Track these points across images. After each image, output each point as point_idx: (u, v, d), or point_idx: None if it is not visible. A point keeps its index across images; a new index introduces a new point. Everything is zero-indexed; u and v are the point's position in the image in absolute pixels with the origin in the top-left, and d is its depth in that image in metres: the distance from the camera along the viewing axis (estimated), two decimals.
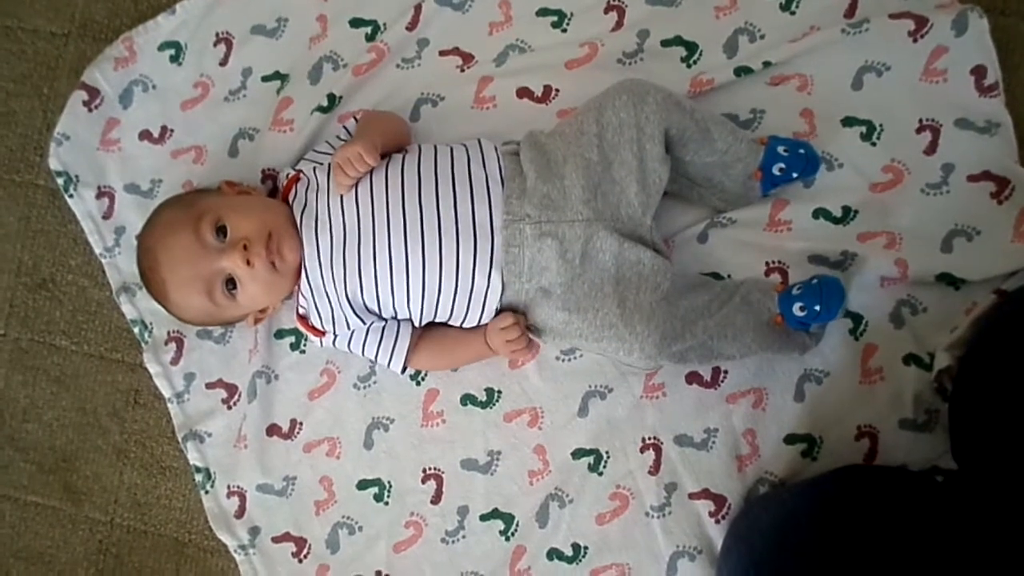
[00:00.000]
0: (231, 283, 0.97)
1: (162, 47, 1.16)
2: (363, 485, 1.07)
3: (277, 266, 0.97)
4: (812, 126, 1.01)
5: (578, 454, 1.02)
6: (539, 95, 1.07)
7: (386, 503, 1.07)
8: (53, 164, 1.16)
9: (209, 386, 1.11)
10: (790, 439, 0.98)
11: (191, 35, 1.16)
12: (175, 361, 1.12)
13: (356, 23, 1.12)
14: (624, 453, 1.01)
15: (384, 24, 1.12)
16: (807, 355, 0.97)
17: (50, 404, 1.17)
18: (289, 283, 1.00)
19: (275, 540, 1.09)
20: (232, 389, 1.11)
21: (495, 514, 1.04)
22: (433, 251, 0.94)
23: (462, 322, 1.00)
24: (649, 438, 1.01)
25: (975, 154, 0.98)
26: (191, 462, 1.11)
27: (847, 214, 0.99)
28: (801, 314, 0.92)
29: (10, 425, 1.18)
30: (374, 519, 1.07)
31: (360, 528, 1.07)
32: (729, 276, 1.01)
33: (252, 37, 1.15)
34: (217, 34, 1.15)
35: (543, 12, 1.09)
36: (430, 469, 1.06)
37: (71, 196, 1.16)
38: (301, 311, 1.03)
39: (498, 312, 0.99)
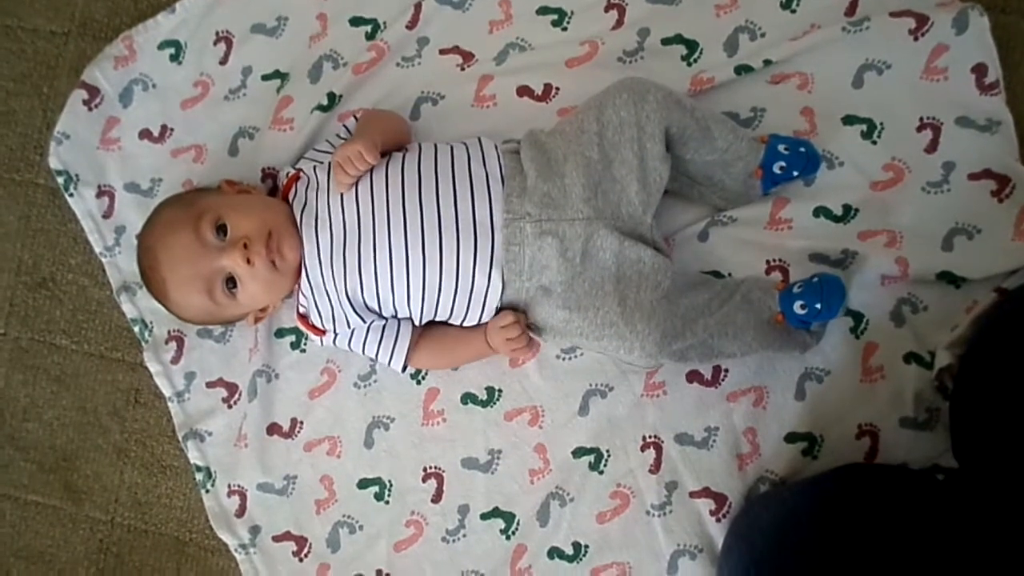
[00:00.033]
0: (231, 282, 0.97)
1: (162, 46, 1.16)
2: (364, 484, 1.07)
3: (277, 265, 0.97)
4: (813, 124, 1.01)
5: (579, 453, 1.02)
6: (539, 93, 1.07)
7: (387, 502, 1.07)
8: (53, 163, 1.16)
9: (209, 385, 1.11)
10: (791, 437, 0.98)
11: (191, 34, 1.16)
12: (175, 360, 1.12)
13: (356, 22, 1.12)
14: (625, 452, 1.01)
15: (384, 23, 1.12)
16: (808, 353, 0.97)
17: (50, 403, 1.17)
18: (289, 282, 1.00)
19: (276, 539, 1.09)
20: (232, 388, 1.11)
21: (496, 513, 1.04)
22: (433, 250, 0.94)
23: (462, 321, 1.00)
24: (650, 437, 1.01)
25: (976, 152, 0.98)
26: (191, 461, 1.11)
27: (848, 212, 0.99)
28: (802, 312, 0.92)
29: (10, 424, 1.18)
30: (375, 518, 1.07)
31: (361, 527, 1.07)
32: (730, 274, 1.01)
33: (252, 36, 1.15)
34: (217, 33, 1.15)
35: (543, 10, 1.09)
36: (431, 468, 1.06)
37: (71, 195, 1.16)
38: (301, 310, 1.03)
39: (498, 311, 0.99)
